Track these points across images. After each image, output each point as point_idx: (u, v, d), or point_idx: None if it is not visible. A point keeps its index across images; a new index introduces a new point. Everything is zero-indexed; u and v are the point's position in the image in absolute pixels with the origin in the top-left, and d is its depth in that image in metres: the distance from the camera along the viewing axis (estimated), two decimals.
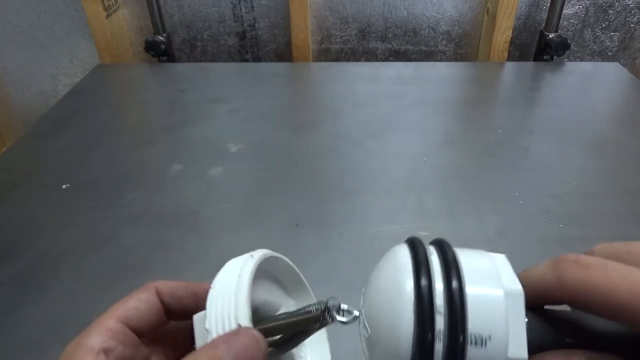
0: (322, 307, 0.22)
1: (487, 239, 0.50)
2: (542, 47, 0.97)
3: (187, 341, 0.25)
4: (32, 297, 0.44)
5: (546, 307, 0.19)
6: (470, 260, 0.19)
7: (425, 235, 0.50)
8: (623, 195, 0.56)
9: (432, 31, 1.01)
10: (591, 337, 0.18)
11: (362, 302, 0.21)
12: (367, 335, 0.20)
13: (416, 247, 0.20)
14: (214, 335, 0.20)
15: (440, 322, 0.17)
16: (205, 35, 1.02)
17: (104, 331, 0.21)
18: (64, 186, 0.59)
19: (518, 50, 1.03)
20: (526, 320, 0.18)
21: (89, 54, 1.01)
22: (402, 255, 0.19)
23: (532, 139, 0.68)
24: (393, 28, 1.01)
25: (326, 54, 1.05)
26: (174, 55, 1.02)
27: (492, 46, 0.95)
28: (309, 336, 0.23)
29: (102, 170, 0.62)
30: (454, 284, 0.18)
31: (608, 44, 1.01)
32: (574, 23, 0.99)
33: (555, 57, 0.97)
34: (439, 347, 0.17)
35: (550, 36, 0.94)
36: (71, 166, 0.63)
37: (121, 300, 0.23)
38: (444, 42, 1.02)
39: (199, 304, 0.24)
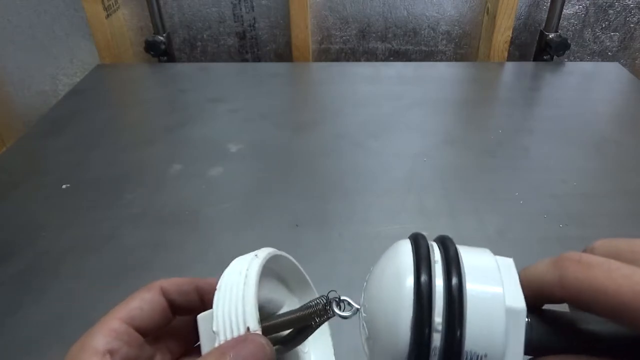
0: (324, 301, 0.22)
1: (487, 239, 0.50)
2: (542, 47, 0.97)
3: (191, 336, 0.25)
4: (32, 297, 0.44)
5: (545, 306, 0.19)
6: (472, 261, 0.19)
7: (425, 236, 0.50)
8: (623, 195, 0.56)
9: (432, 31, 1.01)
10: (590, 339, 0.18)
11: (362, 297, 0.21)
12: (366, 330, 0.20)
13: (419, 245, 0.19)
14: (222, 338, 0.20)
15: (438, 321, 0.17)
16: (205, 35, 1.02)
17: (108, 332, 0.21)
18: (64, 186, 0.59)
19: (518, 50, 1.03)
20: (527, 319, 0.18)
21: (89, 54, 1.01)
22: (404, 252, 0.19)
23: (532, 139, 0.68)
24: (393, 28, 1.01)
25: (326, 54, 1.05)
26: (174, 55, 1.02)
27: (492, 46, 0.95)
28: (313, 332, 0.23)
29: (102, 170, 0.62)
30: (454, 281, 0.18)
31: (608, 44, 1.01)
32: (574, 23, 0.99)
33: (555, 57, 0.97)
34: (437, 344, 0.17)
35: (550, 36, 0.94)
36: (71, 166, 0.63)
37: (125, 300, 0.23)
38: (444, 42, 1.02)
39: (205, 299, 0.24)
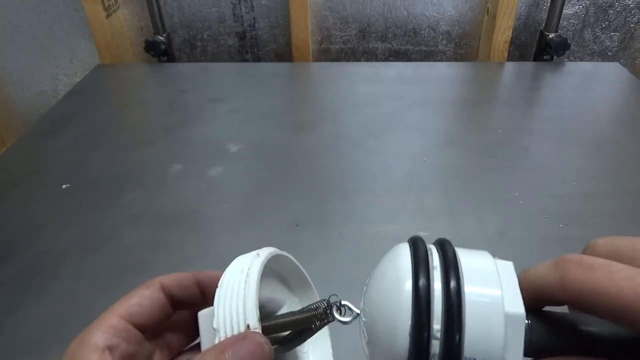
0: (325, 305, 0.22)
1: (487, 239, 0.50)
2: (542, 47, 0.97)
3: (191, 331, 0.25)
4: (32, 297, 0.44)
5: (545, 308, 0.19)
6: (471, 264, 0.19)
7: (425, 235, 0.50)
8: (623, 195, 0.56)
9: (432, 31, 1.01)
10: (591, 340, 0.18)
11: (362, 301, 0.21)
12: (366, 335, 0.20)
13: (417, 248, 0.19)
14: (222, 335, 0.20)
15: (437, 327, 0.17)
16: (205, 35, 1.02)
17: (107, 329, 0.21)
18: (64, 186, 0.59)
19: (518, 50, 1.03)
20: (527, 322, 0.18)
21: (89, 54, 1.01)
22: (403, 256, 0.19)
23: (532, 139, 0.68)
24: (393, 28, 1.01)
25: (326, 54, 1.05)
26: (174, 55, 1.02)
27: (492, 46, 0.95)
28: (313, 334, 0.23)
29: (102, 170, 0.62)
30: (453, 285, 0.18)
31: (608, 44, 1.01)
32: (574, 23, 0.99)
33: (555, 57, 0.97)
34: (436, 351, 0.17)
35: (550, 36, 0.94)
36: (71, 166, 0.63)
37: (124, 297, 0.23)
38: (444, 42, 1.02)
39: (205, 292, 0.24)
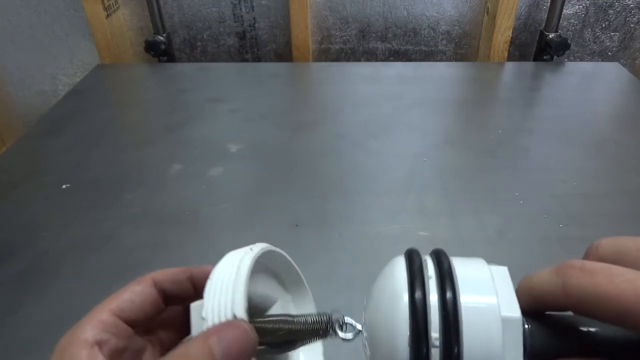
0: (326, 320, 0.22)
1: (487, 239, 0.50)
2: (542, 47, 0.97)
3: (183, 327, 0.26)
4: (32, 297, 0.44)
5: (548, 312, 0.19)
6: (466, 274, 0.19)
7: (425, 235, 0.50)
8: (623, 195, 0.56)
9: (432, 31, 1.01)
10: (593, 343, 0.18)
11: (363, 317, 0.21)
12: (368, 350, 0.20)
13: (412, 261, 0.20)
14: (210, 324, 0.20)
15: (435, 336, 0.17)
16: (205, 35, 1.02)
17: (97, 324, 0.22)
18: (64, 186, 0.59)
19: (518, 50, 1.03)
20: (527, 327, 0.18)
21: (89, 54, 1.01)
22: (399, 270, 0.20)
23: (532, 139, 0.68)
24: (393, 28, 1.01)
25: (326, 54, 1.05)
26: (174, 55, 1.02)
27: (492, 46, 0.95)
28: (304, 345, 0.23)
29: (102, 170, 0.62)
30: (448, 295, 0.18)
31: (608, 44, 1.01)
32: (574, 23, 0.99)
33: (555, 57, 0.97)
34: (436, 357, 0.17)
35: (550, 36, 0.94)
36: (71, 166, 0.63)
37: (115, 292, 0.23)
38: (444, 42, 1.02)
39: (198, 287, 0.25)
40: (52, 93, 1.06)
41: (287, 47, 1.02)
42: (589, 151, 0.65)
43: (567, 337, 0.18)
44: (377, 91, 0.83)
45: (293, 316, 0.23)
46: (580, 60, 1.03)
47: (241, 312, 0.20)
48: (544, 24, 0.97)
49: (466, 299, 0.18)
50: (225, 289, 0.21)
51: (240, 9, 0.99)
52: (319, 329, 0.22)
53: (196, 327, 0.21)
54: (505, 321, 0.17)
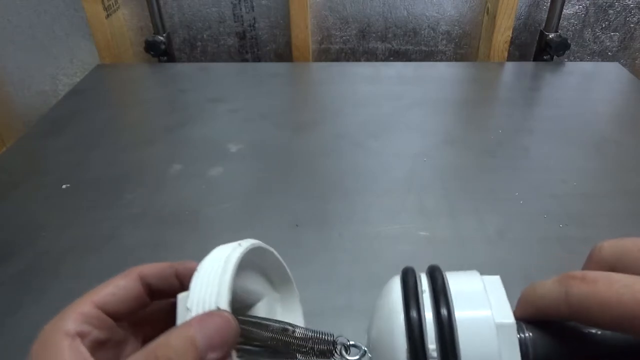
0: (331, 340, 0.23)
1: (487, 239, 0.50)
2: (542, 47, 0.97)
3: (169, 322, 0.26)
4: (32, 297, 0.44)
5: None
6: (460, 288, 0.20)
7: (425, 235, 0.50)
8: (623, 195, 0.56)
9: (432, 31, 1.01)
10: (596, 349, 0.18)
11: (367, 338, 0.22)
12: None
13: (407, 283, 0.20)
14: (193, 314, 0.21)
15: (432, 348, 0.18)
16: (205, 35, 1.02)
17: (79, 316, 0.22)
18: (64, 186, 0.59)
19: (518, 50, 1.03)
20: (529, 335, 0.18)
21: (89, 54, 1.01)
22: (394, 291, 0.21)
23: (532, 139, 0.68)
24: (393, 28, 1.01)
25: (326, 54, 1.05)
26: (174, 55, 1.02)
27: (492, 46, 0.95)
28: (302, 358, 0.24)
29: (102, 170, 0.62)
30: (443, 312, 0.18)
31: (608, 44, 1.01)
32: (574, 23, 0.99)
33: (555, 57, 0.97)
34: None
35: (550, 36, 0.94)
36: (71, 166, 0.63)
37: (100, 285, 0.24)
38: (444, 42, 1.02)
39: (184, 282, 0.25)
40: (52, 93, 1.06)
41: (287, 47, 1.02)
42: (589, 151, 0.65)
43: (570, 343, 0.18)
44: (377, 91, 0.83)
45: (292, 325, 0.23)
46: (580, 60, 1.03)
47: (225, 305, 0.21)
48: (544, 24, 0.97)
49: (460, 309, 0.18)
50: (212, 282, 0.21)
51: (240, 9, 0.99)
52: (323, 349, 0.23)
53: (181, 317, 0.21)
54: (500, 327, 0.18)
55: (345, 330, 0.24)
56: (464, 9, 0.98)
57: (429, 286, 0.20)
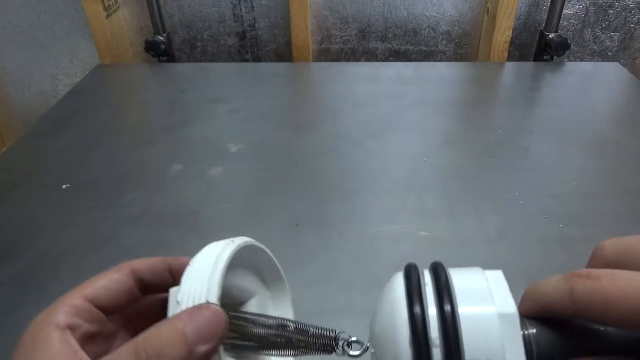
0: (333, 336, 0.23)
1: (487, 239, 0.50)
2: (542, 47, 0.97)
3: (160, 316, 0.26)
4: (32, 297, 0.44)
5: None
6: (463, 283, 0.20)
7: (425, 235, 0.50)
8: (623, 195, 0.56)
9: (432, 31, 1.01)
10: (599, 345, 0.18)
11: (369, 334, 0.22)
12: None
13: (410, 279, 0.20)
14: (183, 307, 0.21)
15: (437, 353, 0.18)
16: (205, 35, 1.02)
17: (69, 308, 0.22)
18: (64, 186, 0.59)
19: (518, 50, 1.03)
20: (533, 331, 0.18)
21: (89, 54, 1.01)
22: (398, 287, 0.20)
23: (532, 139, 0.68)
24: (393, 28, 1.01)
25: (326, 54, 1.05)
26: (174, 55, 1.02)
27: (492, 46, 0.95)
28: (302, 355, 0.24)
29: (102, 170, 0.62)
30: (447, 310, 0.18)
31: (608, 44, 1.01)
32: (574, 23, 0.99)
33: (555, 57, 0.97)
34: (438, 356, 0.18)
35: (550, 36, 0.94)
36: (71, 166, 0.63)
37: (92, 278, 0.24)
38: (444, 42, 1.02)
39: (177, 277, 0.25)
40: (52, 93, 1.06)
41: (287, 47, 1.02)
42: (589, 151, 0.65)
43: (574, 339, 0.18)
44: (377, 91, 0.83)
45: (291, 321, 0.23)
46: (580, 60, 1.03)
47: (214, 299, 0.21)
48: (544, 24, 0.97)
49: (463, 301, 0.18)
50: (203, 277, 0.21)
51: (240, 9, 0.99)
52: (325, 344, 0.23)
53: (171, 310, 0.22)
54: (502, 317, 0.18)
55: (346, 330, 0.24)
56: (464, 9, 0.98)
57: (432, 281, 0.20)
